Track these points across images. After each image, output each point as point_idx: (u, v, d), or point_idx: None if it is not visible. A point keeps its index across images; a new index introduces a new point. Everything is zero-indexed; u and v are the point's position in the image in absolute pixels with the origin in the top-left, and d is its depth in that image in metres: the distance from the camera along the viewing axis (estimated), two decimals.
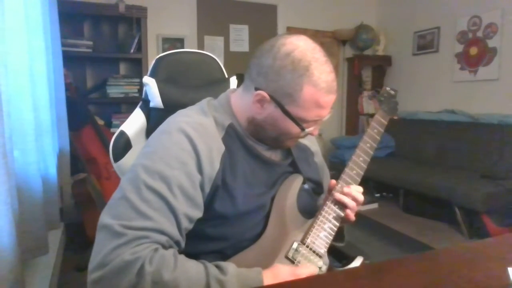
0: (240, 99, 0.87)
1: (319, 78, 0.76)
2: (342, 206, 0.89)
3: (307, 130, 0.82)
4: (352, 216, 0.91)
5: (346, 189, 0.89)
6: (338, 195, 0.89)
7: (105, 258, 0.64)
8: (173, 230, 0.71)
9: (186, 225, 0.74)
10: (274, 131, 0.83)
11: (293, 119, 0.79)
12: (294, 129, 0.81)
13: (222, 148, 0.80)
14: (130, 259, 0.63)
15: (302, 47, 0.77)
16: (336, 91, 0.80)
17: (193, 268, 0.67)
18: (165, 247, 0.70)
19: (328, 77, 0.77)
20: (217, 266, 0.69)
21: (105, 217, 0.69)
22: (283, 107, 0.79)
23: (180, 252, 0.73)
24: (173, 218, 0.71)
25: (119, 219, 0.67)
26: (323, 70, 0.77)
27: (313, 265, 0.83)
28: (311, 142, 1.05)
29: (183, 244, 0.75)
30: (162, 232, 0.69)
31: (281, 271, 0.75)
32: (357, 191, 0.90)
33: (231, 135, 0.84)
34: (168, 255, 0.67)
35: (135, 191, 0.70)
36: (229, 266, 0.70)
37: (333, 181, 0.92)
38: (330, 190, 0.91)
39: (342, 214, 0.89)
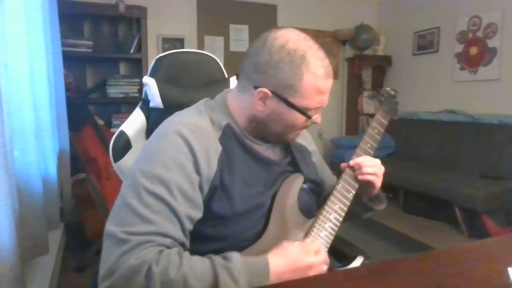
0: (237, 99, 0.86)
1: (317, 65, 0.77)
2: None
3: (313, 118, 0.83)
4: (374, 180, 0.91)
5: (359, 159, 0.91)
6: (352, 161, 0.91)
7: (112, 267, 0.64)
8: (177, 232, 0.71)
9: (189, 226, 0.74)
10: (279, 126, 0.84)
11: (298, 110, 0.80)
12: (300, 120, 0.82)
13: (219, 148, 0.80)
14: (136, 263, 0.63)
15: (294, 38, 0.78)
16: (332, 75, 0.82)
17: (199, 262, 0.68)
18: (169, 248, 0.70)
19: (324, 62, 0.79)
20: (222, 256, 0.71)
21: (109, 225, 0.69)
22: (286, 99, 0.79)
23: None
24: (176, 220, 0.71)
25: (122, 226, 0.67)
26: (318, 56, 0.78)
27: (322, 248, 0.84)
28: (308, 142, 1.05)
29: (187, 244, 0.75)
30: (166, 235, 0.69)
31: (291, 253, 0.75)
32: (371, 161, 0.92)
33: (228, 135, 0.84)
34: (173, 254, 0.67)
35: (136, 196, 0.70)
36: (233, 253, 0.71)
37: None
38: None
39: (346, 209, 0.90)
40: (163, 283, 0.63)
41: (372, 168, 0.90)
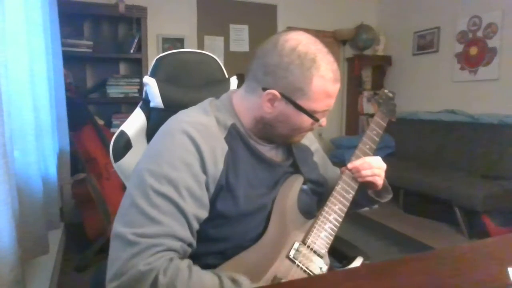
0: (243, 100, 0.86)
1: (326, 69, 0.78)
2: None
3: (320, 120, 0.84)
4: (375, 180, 0.92)
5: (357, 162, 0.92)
6: (350, 164, 0.92)
7: (121, 269, 0.64)
8: (185, 233, 0.71)
9: (196, 226, 0.74)
10: (286, 128, 0.84)
11: (306, 113, 0.80)
12: (307, 122, 0.82)
13: (225, 148, 0.80)
14: (144, 270, 0.63)
15: (305, 41, 0.79)
16: (340, 79, 0.82)
17: (208, 280, 0.67)
18: (179, 253, 0.70)
19: (333, 66, 0.80)
20: (232, 280, 0.69)
21: (117, 226, 0.69)
22: (294, 102, 0.79)
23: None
24: (184, 220, 0.71)
25: (131, 227, 0.67)
26: (328, 60, 0.79)
27: None
28: (310, 141, 1.05)
29: (195, 244, 0.75)
30: (174, 237, 0.69)
31: None
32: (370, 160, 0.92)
33: (233, 135, 0.84)
34: (182, 267, 0.66)
35: (144, 196, 0.70)
36: (244, 281, 0.69)
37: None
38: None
39: (345, 209, 0.90)
40: None
41: (370, 170, 0.91)
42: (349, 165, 0.92)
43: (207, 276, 0.68)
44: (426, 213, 3.18)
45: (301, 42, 0.78)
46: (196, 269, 0.69)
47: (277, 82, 0.79)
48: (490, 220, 2.66)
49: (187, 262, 0.69)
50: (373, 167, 0.91)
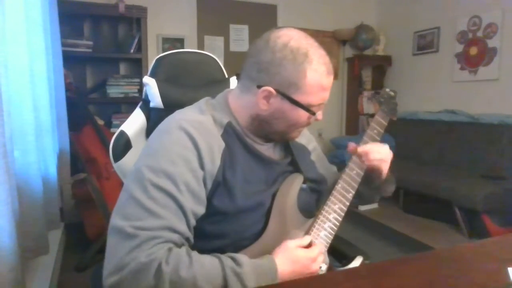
0: (238, 99, 0.87)
1: (319, 62, 0.79)
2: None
3: (316, 114, 0.84)
4: (381, 166, 0.93)
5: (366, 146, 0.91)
6: (360, 148, 0.91)
7: (121, 262, 0.64)
8: (182, 227, 0.71)
9: (193, 221, 0.75)
10: (282, 124, 0.84)
11: (302, 107, 0.81)
12: (303, 117, 0.83)
13: (222, 145, 0.81)
14: (146, 261, 0.64)
15: (296, 36, 0.80)
16: (333, 71, 0.83)
17: (209, 262, 0.69)
18: (177, 245, 0.70)
19: (325, 59, 0.81)
20: (232, 258, 0.71)
21: (115, 219, 0.69)
22: (290, 97, 0.80)
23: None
24: (182, 214, 0.72)
25: (129, 220, 0.67)
26: (320, 54, 0.80)
27: (323, 249, 0.85)
28: (308, 140, 1.06)
29: (192, 240, 0.76)
30: (173, 230, 0.70)
31: (299, 259, 0.77)
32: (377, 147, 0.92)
33: (229, 133, 0.84)
34: (182, 253, 0.68)
35: (142, 190, 0.70)
36: (243, 257, 0.71)
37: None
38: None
39: (345, 209, 0.90)
40: (172, 282, 0.63)
41: (379, 154, 0.91)
42: (359, 149, 0.92)
43: (207, 259, 0.69)
44: (426, 213, 3.18)
45: (292, 37, 0.79)
46: (195, 253, 0.70)
47: (271, 79, 0.79)
48: (490, 220, 2.66)
49: (185, 248, 0.70)
50: (381, 152, 0.91)
